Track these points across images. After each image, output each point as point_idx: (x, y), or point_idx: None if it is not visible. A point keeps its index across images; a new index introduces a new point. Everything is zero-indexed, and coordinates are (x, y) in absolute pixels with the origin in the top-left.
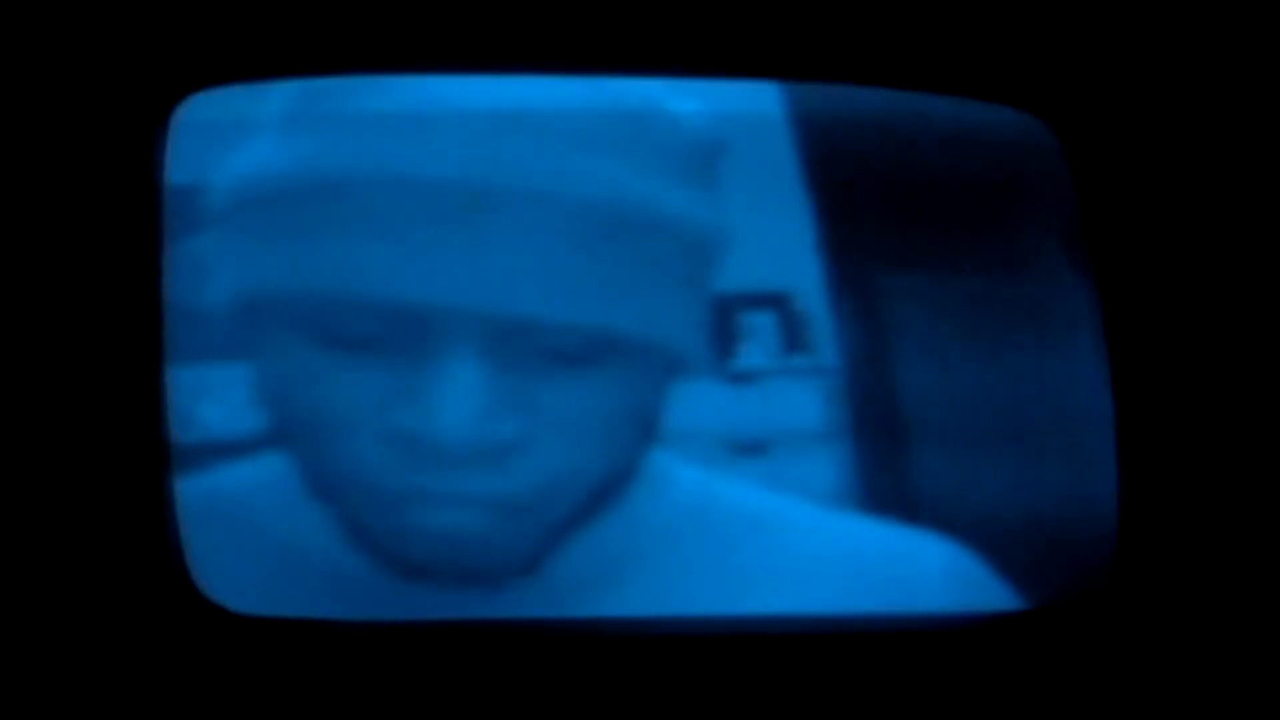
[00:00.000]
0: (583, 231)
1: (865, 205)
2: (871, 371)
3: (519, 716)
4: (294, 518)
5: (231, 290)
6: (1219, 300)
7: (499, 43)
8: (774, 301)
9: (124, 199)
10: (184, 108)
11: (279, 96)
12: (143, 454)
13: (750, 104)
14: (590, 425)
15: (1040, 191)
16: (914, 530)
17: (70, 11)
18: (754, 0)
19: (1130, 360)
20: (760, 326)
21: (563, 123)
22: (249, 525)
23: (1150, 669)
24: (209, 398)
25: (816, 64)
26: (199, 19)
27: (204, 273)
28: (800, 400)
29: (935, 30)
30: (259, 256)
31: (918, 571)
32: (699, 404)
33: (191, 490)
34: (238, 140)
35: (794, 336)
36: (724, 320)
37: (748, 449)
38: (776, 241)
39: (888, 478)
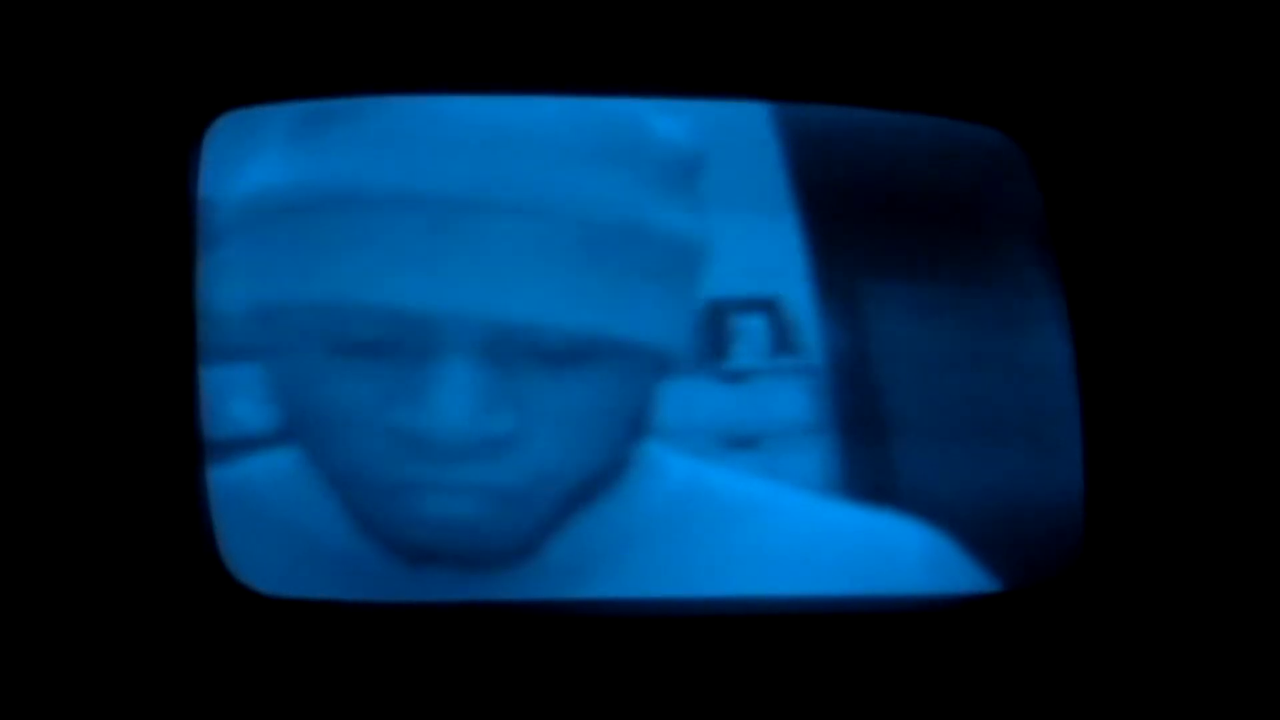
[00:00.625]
0: (571, 241)
1: (849, 217)
2: (854, 370)
3: (517, 690)
4: (310, 508)
5: (247, 298)
6: (1177, 298)
7: (493, 66)
8: (764, 306)
9: (161, 212)
10: (215, 126)
11: (288, 117)
12: (178, 448)
13: (742, 125)
14: (580, 420)
15: (1010, 202)
16: (894, 516)
17: (119, 42)
18: (744, 27)
19: (1095, 356)
20: (752, 329)
21: (552, 140)
22: (273, 514)
23: (1119, 647)
24: (237, 395)
25: (806, 86)
26: (226, 45)
27: (225, 280)
28: (789, 397)
29: (915, 56)
30: (270, 267)
31: (897, 555)
32: (696, 401)
33: (223, 481)
34: (252, 158)
35: (783, 338)
36: (718, 323)
37: (740, 442)
38: (767, 251)
39: (870, 468)
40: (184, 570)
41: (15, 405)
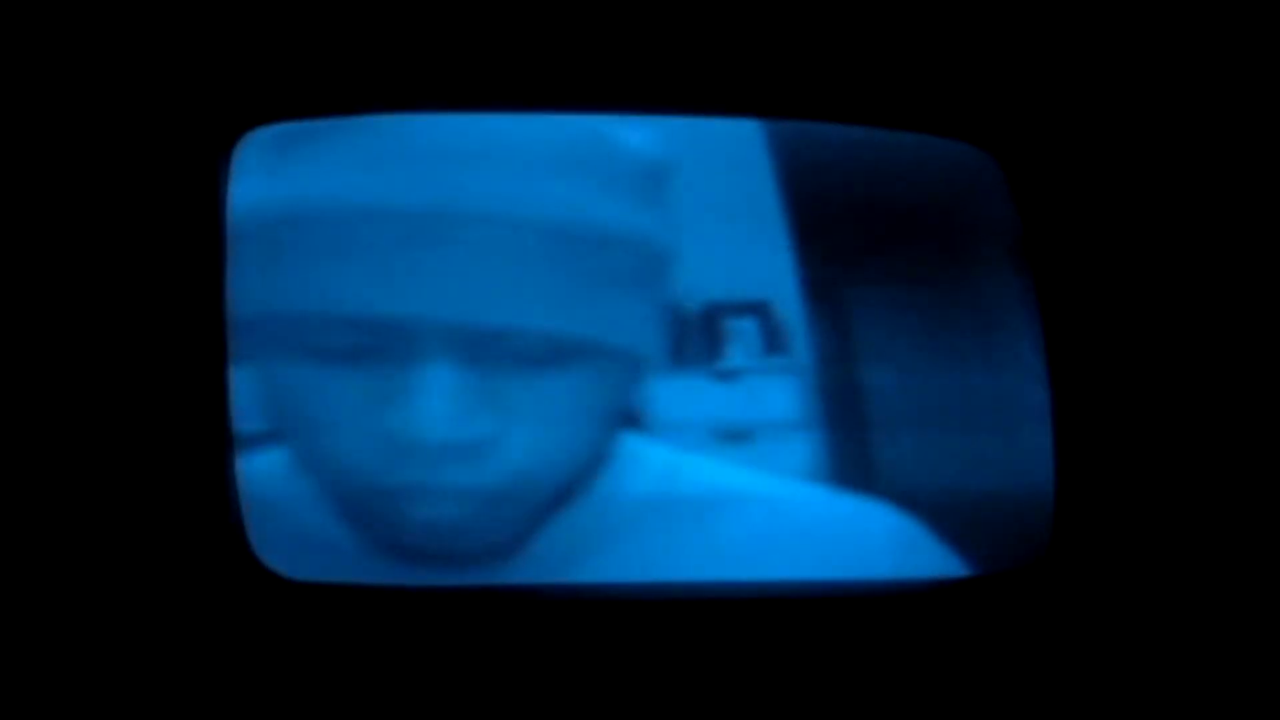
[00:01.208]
0: (543, 248)
1: (836, 226)
2: (840, 369)
3: (509, 665)
4: (309, 507)
5: (237, 308)
6: (1142, 302)
7: (480, 84)
8: (756, 309)
9: (193, 223)
10: (242, 143)
11: (271, 138)
12: (209, 440)
13: (736, 142)
14: (558, 421)
15: (987, 213)
16: (872, 505)
17: (151, 68)
18: (731, 45)
19: (1065, 357)
20: (744, 331)
21: (523, 152)
22: (290, 503)
23: (1087, 632)
24: (241, 395)
25: (795, 104)
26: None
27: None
28: (778, 394)
29: (899, 77)
30: (257, 280)
31: (875, 542)
32: (691, 398)
33: (251, 471)
34: (241, 176)
35: (773, 339)
36: (712, 325)
37: (733, 436)
38: (758, 258)
39: (853, 460)
40: (213, 555)
41: (56, 405)
